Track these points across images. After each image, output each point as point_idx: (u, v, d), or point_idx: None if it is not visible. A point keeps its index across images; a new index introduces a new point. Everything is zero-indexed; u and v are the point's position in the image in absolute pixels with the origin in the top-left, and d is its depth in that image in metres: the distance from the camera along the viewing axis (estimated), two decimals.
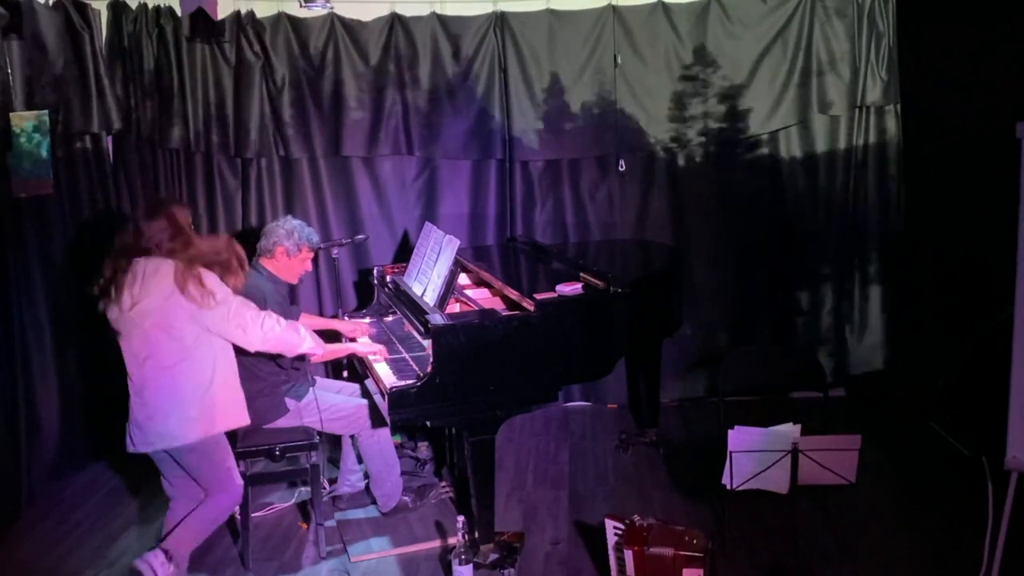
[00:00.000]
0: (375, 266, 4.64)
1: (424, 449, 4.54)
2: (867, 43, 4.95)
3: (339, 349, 3.79)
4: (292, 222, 3.74)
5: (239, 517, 3.60)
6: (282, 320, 3.26)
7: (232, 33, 4.86)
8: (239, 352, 3.28)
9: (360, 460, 4.02)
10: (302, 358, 3.62)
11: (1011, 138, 2.79)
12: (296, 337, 3.29)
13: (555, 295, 3.56)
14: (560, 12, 4.97)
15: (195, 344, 3.07)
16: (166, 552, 3.14)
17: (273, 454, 3.54)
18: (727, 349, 5.21)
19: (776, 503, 3.27)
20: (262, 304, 3.34)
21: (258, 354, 3.35)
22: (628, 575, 3.04)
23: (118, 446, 3.30)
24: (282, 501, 4.12)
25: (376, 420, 3.74)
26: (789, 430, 3.02)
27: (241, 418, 3.24)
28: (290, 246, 3.67)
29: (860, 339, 5.30)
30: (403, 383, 3.34)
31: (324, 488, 3.95)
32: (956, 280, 4.42)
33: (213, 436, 3.15)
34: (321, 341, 3.47)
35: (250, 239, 3.76)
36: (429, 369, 3.28)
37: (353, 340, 3.95)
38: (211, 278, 3.08)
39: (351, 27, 4.94)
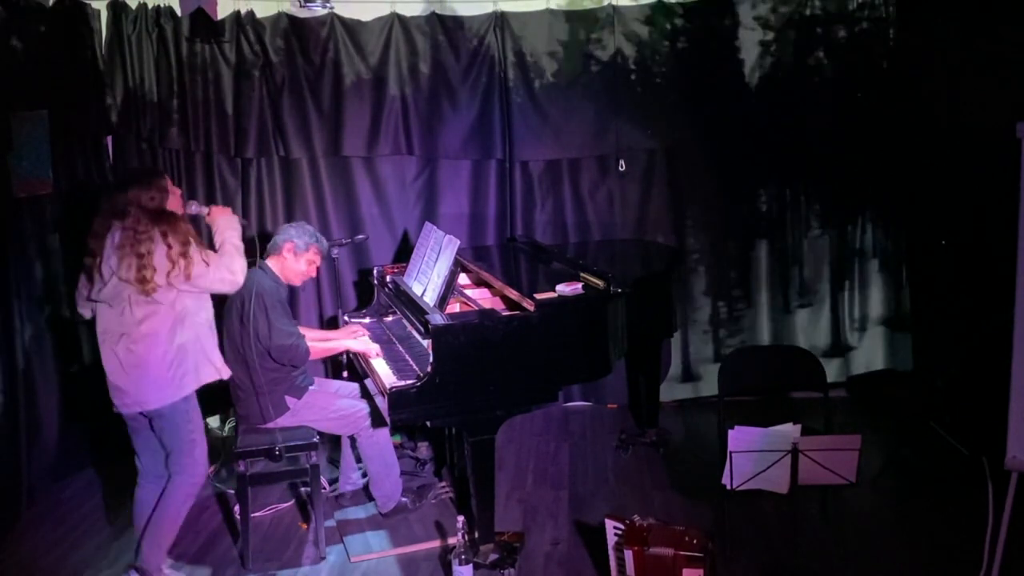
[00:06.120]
0: (375, 266, 4.65)
1: (424, 449, 4.54)
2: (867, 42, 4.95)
3: (334, 347, 3.85)
4: (307, 226, 3.83)
5: (239, 517, 3.61)
6: (211, 253, 3.23)
7: (232, 33, 4.86)
8: (241, 350, 3.37)
9: (359, 460, 4.02)
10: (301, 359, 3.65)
11: (1011, 138, 2.79)
12: (236, 261, 3.27)
13: (555, 295, 3.56)
14: (560, 12, 4.97)
15: (168, 312, 3.12)
16: (140, 571, 3.29)
17: (273, 454, 3.55)
18: (727, 349, 5.22)
19: (776, 503, 3.27)
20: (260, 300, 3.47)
21: (258, 354, 3.42)
22: (628, 575, 3.04)
23: (118, 447, 3.30)
24: (282, 501, 4.12)
25: (376, 420, 3.75)
26: (789, 430, 3.02)
27: (209, 374, 3.27)
28: (299, 243, 3.72)
29: (860, 339, 5.30)
30: (403, 383, 3.34)
31: (324, 488, 3.95)
32: (956, 280, 4.42)
33: (184, 398, 3.20)
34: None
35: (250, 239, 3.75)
36: (429, 369, 3.28)
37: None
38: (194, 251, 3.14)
39: (351, 27, 4.94)
